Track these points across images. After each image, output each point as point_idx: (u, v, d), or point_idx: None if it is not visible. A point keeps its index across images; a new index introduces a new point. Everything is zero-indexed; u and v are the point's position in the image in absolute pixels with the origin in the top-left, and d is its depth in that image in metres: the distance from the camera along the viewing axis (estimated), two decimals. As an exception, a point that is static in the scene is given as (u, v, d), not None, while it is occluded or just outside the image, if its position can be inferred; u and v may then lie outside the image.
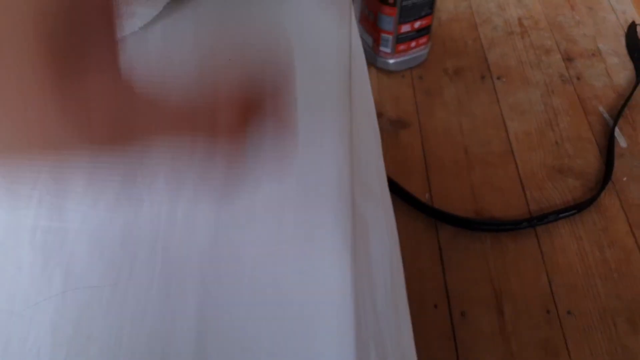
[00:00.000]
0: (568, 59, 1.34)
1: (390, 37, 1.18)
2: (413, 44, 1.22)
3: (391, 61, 1.24)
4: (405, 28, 1.17)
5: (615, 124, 1.20)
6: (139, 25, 0.34)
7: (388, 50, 1.21)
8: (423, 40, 1.23)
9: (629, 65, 1.34)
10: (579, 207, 1.05)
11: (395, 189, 1.06)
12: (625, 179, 1.12)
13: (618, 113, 1.22)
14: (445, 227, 1.02)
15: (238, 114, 0.24)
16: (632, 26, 1.42)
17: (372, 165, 0.45)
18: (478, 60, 1.31)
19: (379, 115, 1.19)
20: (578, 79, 1.30)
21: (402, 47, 1.21)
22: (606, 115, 1.23)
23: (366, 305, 0.33)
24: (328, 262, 0.29)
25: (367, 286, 0.35)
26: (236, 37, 0.35)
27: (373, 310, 0.35)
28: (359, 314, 0.29)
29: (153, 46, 0.34)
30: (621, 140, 1.19)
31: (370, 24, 1.20)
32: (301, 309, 0.27)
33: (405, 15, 1.14)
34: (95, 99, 0.21)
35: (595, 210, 1.06)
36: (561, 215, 1.03)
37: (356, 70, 0.52)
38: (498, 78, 1.28)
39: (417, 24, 1.18)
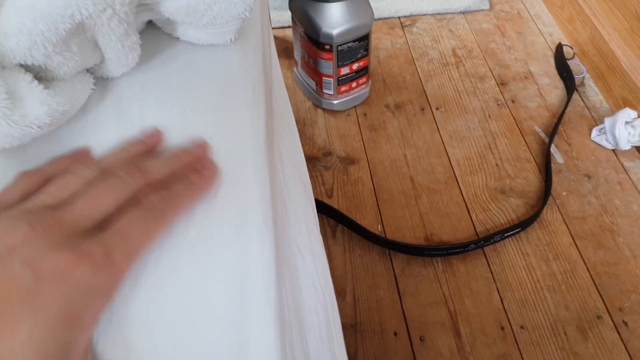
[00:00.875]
0: (502, 83, 1.42)
1: (331, 80, 1.24)
2: (354, 84, 1.28)
3: (335, 102, 1.30)
4: (345, 70, 1.23)
5: (551, 141, 1.27)
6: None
7: (331, 92, 1.27)
8: (363, 80, 1.29)
9: (560, 84, 1.43)
10: (523, 225, 1.10)
11: (347, 223, 1.11)
12: (564, 193, 1.18)
13: (553, 131, 1.29)
14: (399, 255, 1.07)
15: None
16: (559, 47, 1.51)
17: (300, 218, 0.48)
18: (417, 93, 1.38)
19: (329, 154, 1.24)
20: (513, 101, 1.38)
21: (343, 88, 1.27)
22: (542, 134, 1.30)
23: (296, 355, 0.37)
24: (252, 319, 0.32)
25: (297, 337, 0.39)
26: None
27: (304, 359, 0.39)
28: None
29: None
30: (558, 157, 1.26)
31: (311, 68, 1.26)
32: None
33: (343, 59, 1.20)
34: None
35: (539, 226, 1.12)
36: (506, 234, 1.08)
37: (280, 123, 0.57)
38: (437, 108, 1.35)
39: (355, 66, 1.24)
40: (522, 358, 0.95)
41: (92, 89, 0.39)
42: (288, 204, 0.47)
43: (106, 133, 0.37)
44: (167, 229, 0.32)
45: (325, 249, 1.09)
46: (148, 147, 0.36)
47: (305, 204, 0.51)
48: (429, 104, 1.36)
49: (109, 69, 0.40)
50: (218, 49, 0.45)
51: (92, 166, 0.32)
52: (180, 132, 0.38)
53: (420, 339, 0.97)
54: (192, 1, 0.42)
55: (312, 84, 1.29)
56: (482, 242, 1.07)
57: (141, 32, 0.44)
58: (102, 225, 0.29)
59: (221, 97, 0.41)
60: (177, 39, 0.45)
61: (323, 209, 1.12)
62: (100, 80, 0.41)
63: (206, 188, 0.35)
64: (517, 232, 1.10)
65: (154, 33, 0.45)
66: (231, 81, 0.42)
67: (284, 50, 1.47)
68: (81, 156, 0.35)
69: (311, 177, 1.20)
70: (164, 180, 0.33)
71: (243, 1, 0.44)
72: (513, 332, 0.98)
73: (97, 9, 0.35)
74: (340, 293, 1.02)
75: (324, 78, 1.24)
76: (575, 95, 1.39)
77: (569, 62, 1.47)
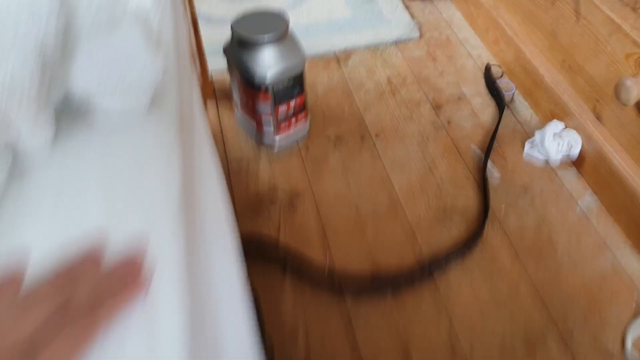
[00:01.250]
0: (437, 107, 1.47)
1: (270, 118, 1.27)
2: (293, 120, 1.31)
3: (277, 139, 1.32)
4: (283, 108, 1.26)
5: (486, 158, 1.32)
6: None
7: (271, 130, 1.30)
8: (302, 115, 1.32)
9: (491, 102, 1.49)
10: (466, 245, 1.14)
11: (296, 270, 1.11)
12: (503, 206, 1.23)
13: (488, 148, 1.34)
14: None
15: None
16: (488, 67, 1.57)
17: (224, 273, 0.50)
18: (356, 123, 1.42)
19: (274, 189, 1.26)
20: (449, 123, 1.43)
21: (283, 125, 1.30)
22: (478, 151, 1.36)
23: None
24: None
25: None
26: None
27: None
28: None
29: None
30: (495, 172, 1.31)
31: (250, 109, 1.28)
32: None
33: (280, 98, 1.23)
34: None
35: (482, 243, 1.16)
36: (451, 256, 1.12)
37: (205, 175, 0.58)
38: (376, 136, 1.39)
39: (292, 103, 1.27)
40: (475, 375, 0.98)
41: (8, 165, 0.40)
42: (213, 258, 0.49)
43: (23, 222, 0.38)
44: (94, 341, 0.32)
45: (277, 291, 1.09)
46: (85, 260, 0.36)
47: (230, 255, 0.53)
48: (369, 133, 1.40)
49: (24, 144, 0.42)
50: (133, 116, 0.47)
51: (11, 290, 0.33)
52: (99, 208, 0.40)
53: (376, 367, 0.99)
54: (104, 73, 0.44)
55: (253, 123, 1.32)
56: (428, 267, 1.10)
57: (56, 107, 0.46)
58: (25, 348, 0.30)
59: (136, 166, 0.43)
60: (93, 109, 0.47)
61: (269, 256, 1.13)
62: (17, 159, 0.42)
63: (135, 294, 0.35)
64: (461, 253, 1.13)
65: (69, 105, 0.47)
66: (145, 146, 0.44)
67: (226, 93, 1.50)
68: (8, 277, 0.34)
69: (258, 214, 1.22)
70: (92, 294, 0.34)
71: (154, 67, 0.46)
72: (464, 354, 1.00)
73: (6, 92, 0.36)
74: (292, 334, 1.03)
75: (263, 118, 1.27)
76: (506, 112, 1.45)
77: (498, 80, 1.53)
